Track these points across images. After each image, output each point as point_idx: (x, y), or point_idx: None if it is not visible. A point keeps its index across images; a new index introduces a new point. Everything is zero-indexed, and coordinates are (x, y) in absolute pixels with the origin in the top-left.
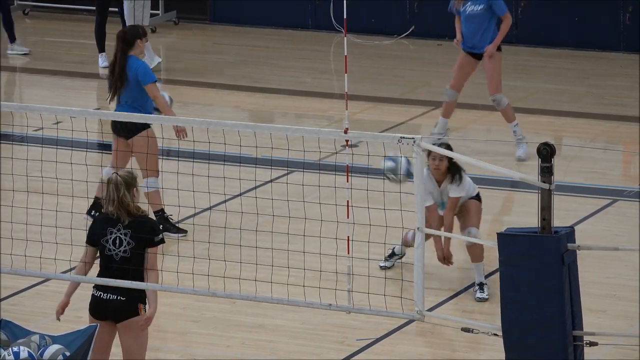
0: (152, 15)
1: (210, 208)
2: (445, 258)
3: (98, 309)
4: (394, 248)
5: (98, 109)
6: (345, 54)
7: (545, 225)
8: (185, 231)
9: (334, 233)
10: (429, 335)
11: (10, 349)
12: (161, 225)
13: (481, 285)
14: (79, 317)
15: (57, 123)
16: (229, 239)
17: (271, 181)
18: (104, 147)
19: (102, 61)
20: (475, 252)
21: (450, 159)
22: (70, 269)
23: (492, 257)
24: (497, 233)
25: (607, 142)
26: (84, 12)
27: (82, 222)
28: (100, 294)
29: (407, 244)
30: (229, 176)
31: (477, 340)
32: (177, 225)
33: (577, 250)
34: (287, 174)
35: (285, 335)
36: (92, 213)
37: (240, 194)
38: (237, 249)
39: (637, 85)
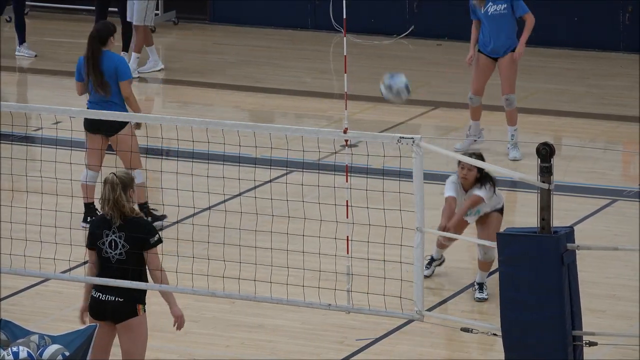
0: None
1: (209, 208)
2: (446, 229)
3: (97, 309)
4: (431, 255)
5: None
6: (345, 54)
7: (544, 225)
8: (164, 216)
9: (333, 233)
10: (429, 335)
11: (9, 349)
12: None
13: (481, 286)
14: (78, 317)
15: (57, 123)
16: (228, 239)
17: (270, 181)
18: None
19: None
20: (484, 266)
21: (480, 169)
22: (70, 269)
23: None
24: (497, 233)
25: (607, 142)
26: (84, 12)
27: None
28: (99, 295)
29: (442, 247)
30: (228, 176)
31: (477, 340)
32: (155, 213)
33: (577, 250)
34: (287, 173)
35: (285, 335)
36: (89, 220)
37: (240, 194)
38: (236, 249)
39: (637, 85)
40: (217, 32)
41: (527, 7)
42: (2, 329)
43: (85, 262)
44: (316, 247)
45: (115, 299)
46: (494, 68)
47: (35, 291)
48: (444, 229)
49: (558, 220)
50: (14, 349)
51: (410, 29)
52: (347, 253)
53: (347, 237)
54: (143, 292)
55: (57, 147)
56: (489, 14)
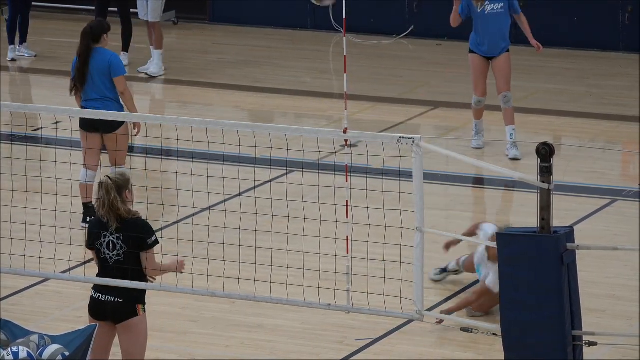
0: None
1: (209, 208)
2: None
3: (97, 310)
4: (448, 264)
5: None
6: (345, 54)
7: (544, 225)
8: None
9: (333, 233)
10: (429, 335)
11: (9, 348)
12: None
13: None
14: (78, 317)
15: (57, 123)
16: (228, 239)
17: (270, 181)
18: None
19: None
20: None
21: None
22: (70, 269)
23: None
24: (497, 233)
25: (607, 142)
26: (84, 12)
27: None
28: (99, 296)
29: (463, 267)
30: (228, 176)
31: (477, 340)
32: None
33: (577, 250)
34: (287, 173)
35: (285, 335)
36: (88, 220)
37: (240, 194)
38: (236, 249)
39: (637, 85)
40: (217, 32)
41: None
42: (2, 328)
43: (85, 262)
44: (316, 247)
45: (114, 299)
46: (488, 67)
47: (35, 291)
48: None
49: (558, 220)
50: (14, 348)
51: (410, 29)
52: (347, 253)
53: (347, 237)
54: (142, 292)
55: (57, 147)
56: (486, 12)
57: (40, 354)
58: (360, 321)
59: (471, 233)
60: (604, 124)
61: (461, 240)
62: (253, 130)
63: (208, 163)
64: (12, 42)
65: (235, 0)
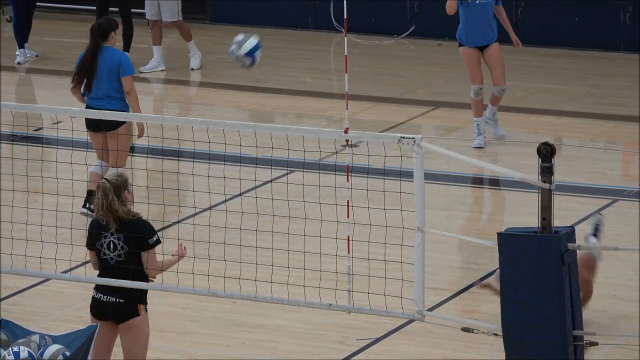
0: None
1: (210, 208)
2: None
3: (98, 310)
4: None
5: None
6: (346, 53)
7: (545, 225)
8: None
9: (334, 233)
10: (429, 335)
11: (10, 348)
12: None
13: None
14: (79, 317)
15: (57, 123)
16: (229, 239)
17: (271, 181)
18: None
19: None
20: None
21: None
22: (71, 269)
23: (492, 257)
24: (497, 233)
25: (607, 142)
26: (84, 12)
27: (82, 222)
28: (100, 296)
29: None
30: (229, 176)
31: (477, 340)
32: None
33: (577, 250)
34: (287, 173)
35: (286, 335)
36: (88, 205)
37: (241, 194)
38: (237, 249)
39: (637, 85)
40: (218, 32)
41: None
42: (3, 328)
43: (86, 262)
44: (317, 247)
45: (116, 299)
46: (480, 56)
47: (36, 291)
48: None
49: (558, 220)
50: (15, 348)
51: (411, 29)
52: (348, 253)
53: (348, 237)
54: (144, 292)
55: (58, 147)
56: (477, 2)
57: (41, 354)
58: (361, 321)
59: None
60: (605, 124)
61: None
62: (254, 130)
63: (209, 163)
64: (21, 45)
65: (235, 0)
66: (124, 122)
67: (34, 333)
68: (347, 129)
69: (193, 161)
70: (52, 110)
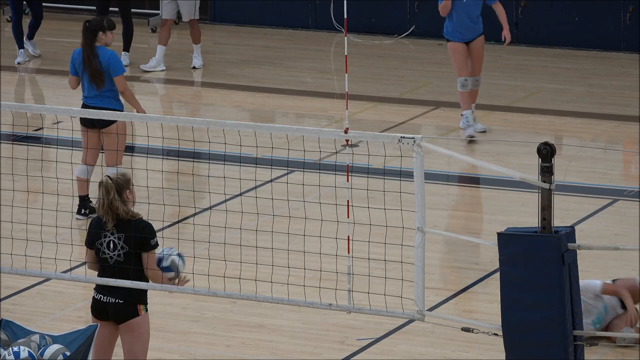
0: (152, 15)
1: (210, 208)
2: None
3: (98, 310)
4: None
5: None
6: (346, 53)
7: (545, 225)
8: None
9: (334, 233)
10: (429, 335)
11: (10, 348)
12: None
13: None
14: (79, 317)
15: (57, 123)
16: (229, 238)
17: (271, 181)
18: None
19: None
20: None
21: None
22: (71, 269)
23: (492, 257)
24: (497, 233)
25: (607, 142)
26: (84, 12)
27: (82, 222)
28: (100, 297)
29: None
30: (229, 176)
31: (477, 340)
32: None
33: (577, 250)
34: (288, 173)
35: (286, 335)
36: (83, 212)
37: (241, 194)
38: (237, 248)
39: (637, 85)
40: (218, 32)
41: None
42: (3, 328)
43: (85, 262)
44: (317, 247)
45: (115, 300)
46: (467, 50)
47: (36, 291)
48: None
49: (558, 220)
50: (15, 348)
51: (411, 29)
52: (348, 253)
53: (348, 236)
54: (144, 292)
55: (58, 147)
56: (465, 1)
57: (42, 354)
58: (361, 321)
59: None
60: (605, 123)
61: None
62: (254, 130)
63: (209, 163)
64: (21, 45)
65: (236, 0)
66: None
67: (34, 333)
68: (347, 129)
69: (193, 161)
70: (52, 110)
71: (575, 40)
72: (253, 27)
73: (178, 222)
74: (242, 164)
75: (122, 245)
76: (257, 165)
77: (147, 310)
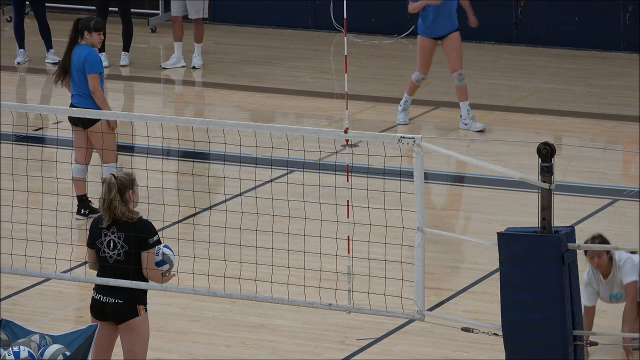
0: (152, 14)
1: (210, 208)
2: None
3: (98, 310)
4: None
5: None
6: (345, 53)
7: (545, 225)
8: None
9: (334, 233)
10: (429, 335)
11: (10, 348)
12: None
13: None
14: (79, 317)
15: (57, 123)
16: (229, 238)
17: (271, 181)
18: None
19: (102, 60)
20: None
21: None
22: (71, 269)
23: (492, 257)
24: (497, 233)
25: (607, 142)
26: (84, 12)
27: (81, 221)
28: (100, 297)
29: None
30: (229, 176)
31: (477, 340)
32: (94, 207)
33: (577, 250)
34: (287, 173)
35: (286, 335)
36: (82, 212)
37: (241, 194)
38: (237, 248)
39: (637, 85)
40: (218, 32)
41: None
42: (3, 328)
43: (86, 262)
44: (317, 246)
45: (115, 300)
46: (436, 47)
47: (36, 291)
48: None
49: (558, 220)
50: (15, 348)
51: (411, 29)
52: (348, 253)
53: (348, 236)
54: (143, 292)
55: (58, 146)
56: None
57: (42, 354)
58: (361, 321)
59: (589, 323)
60: (605, 123)
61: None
62: (254, 130)
63: (209, 163)
64: (21, 45)
65: (236, 0)
66: (98, 120)
67: (34, 333)
68: (347, 128)
69: (193, 161)
70: (52, 110)
71: (575, 40)
72: (253, 27)
73: (178, 222)
74: (242, 164)
75: (122, 245)
76: (257, 165)
77: (146, 311)
